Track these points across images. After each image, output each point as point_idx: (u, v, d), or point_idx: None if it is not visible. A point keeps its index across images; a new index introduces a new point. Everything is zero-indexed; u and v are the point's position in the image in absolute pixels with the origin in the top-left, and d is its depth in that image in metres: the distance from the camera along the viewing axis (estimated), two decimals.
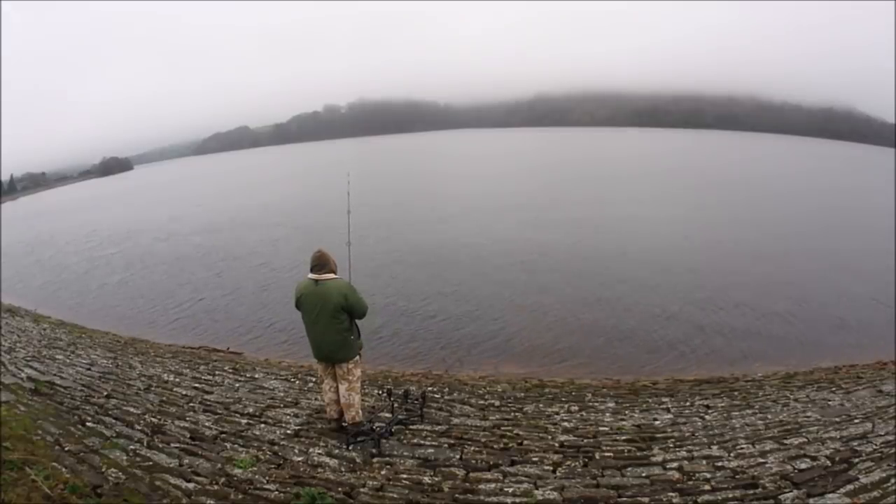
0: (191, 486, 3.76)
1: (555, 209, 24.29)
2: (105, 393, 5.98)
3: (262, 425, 5.12)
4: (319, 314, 4.44)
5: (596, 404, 6.20)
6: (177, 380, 6.91)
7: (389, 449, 4.54)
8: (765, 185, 31.82)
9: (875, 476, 3.81)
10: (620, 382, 7.65)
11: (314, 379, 6.63)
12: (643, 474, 4.09)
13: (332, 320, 4.44)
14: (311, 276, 4.50)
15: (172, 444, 4.50)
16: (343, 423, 4.83)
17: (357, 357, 4.68)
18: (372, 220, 22.17)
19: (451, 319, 11.33)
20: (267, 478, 3.95)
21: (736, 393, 6.68)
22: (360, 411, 4.78)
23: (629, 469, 4.19)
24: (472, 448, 4.63)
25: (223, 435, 4.82)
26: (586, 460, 4.38)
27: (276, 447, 4.58)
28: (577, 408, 6.01)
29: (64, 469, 3.61)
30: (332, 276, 4.51)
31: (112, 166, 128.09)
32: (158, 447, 4.43)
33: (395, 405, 5.33)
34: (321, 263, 4.51)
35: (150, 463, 4.08)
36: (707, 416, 5.62)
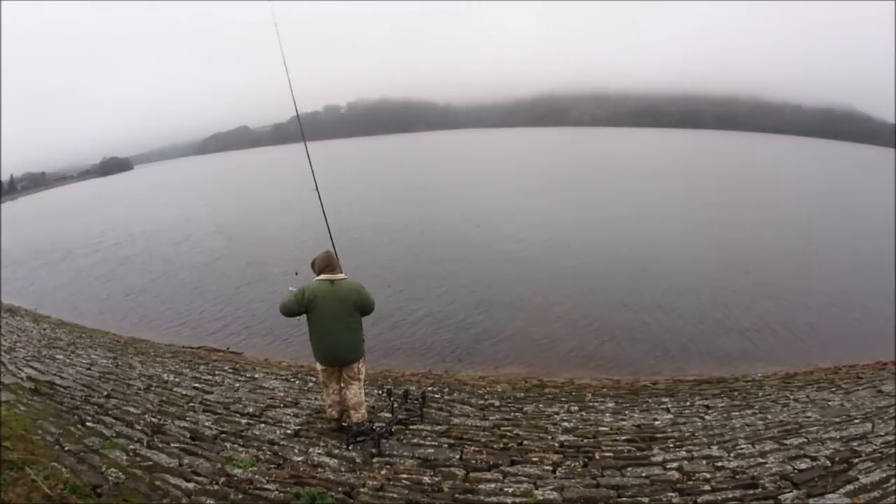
0: (191, 485, 3.76)
1: (557, 210, 24.28)
2: (105, 393, 5.98)
3: (262, 425, 5.12)
4: (338, 315, 4.40)
5: (596, 404, 6.20)
6: (177, 380, 6.91)
7: (389, 449, 4.54)
8: (766, 187, 31.75)
9: (875, 476, 3.80)
10: (620, 382, 7.66)
11: (314, 379, 6.62)
12: (643, 474, 4.08)
13: (350, 319, 4.45)
14: (324, 276, 4.46)
15: (172, 444, 4.50)
16: (343, 423, 4.84)
17: (363, 356, 4.71)
18: (373, 222, 22.17)
19: (452, 319, 11.33)
20: (267, 478, 3.95)
21: (736, 393, 6.69)
22: (365, 410, 4.80)
23: (629, 469, 4.19)
24: (472, 448, 4.63)
25: (223, 435, 4.82)
26: (586, 460, 4.38)
27: (276, 447, 4.58)
28: (577, 408, 6.02)
29: (64, 469, 3.60)
30: (343, 275, 4.52)
31: (112, 166, 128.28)
32: (158, 447, 4.42)
33: (395, 405, 5.34)
34: (333, 264, 4.50)
35: (150, 463, 4.07)
36: (707, 417, 5.62)
